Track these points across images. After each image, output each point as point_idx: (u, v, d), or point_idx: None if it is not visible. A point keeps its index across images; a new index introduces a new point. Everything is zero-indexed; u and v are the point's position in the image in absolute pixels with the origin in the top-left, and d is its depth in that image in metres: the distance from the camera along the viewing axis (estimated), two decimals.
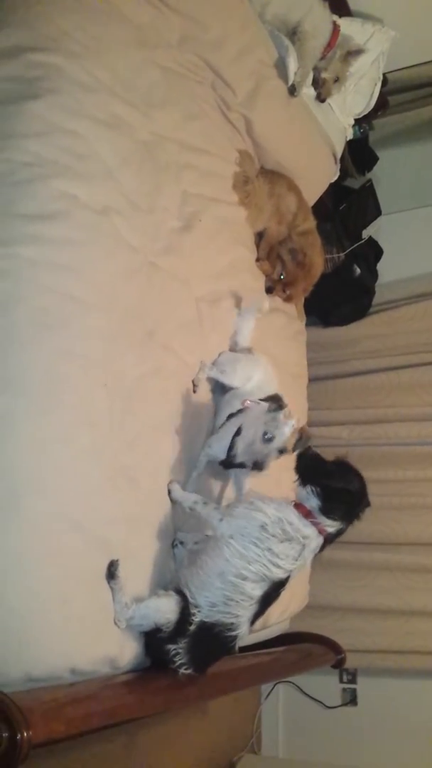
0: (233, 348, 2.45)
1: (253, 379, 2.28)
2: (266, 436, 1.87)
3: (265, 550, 1.70)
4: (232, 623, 1.69)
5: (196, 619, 1.68)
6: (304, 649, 2.65)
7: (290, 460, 2.82)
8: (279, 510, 1.75)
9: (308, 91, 3.10)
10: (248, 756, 3.52)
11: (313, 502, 1.75)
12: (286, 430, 1.87)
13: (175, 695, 1.69)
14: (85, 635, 1.58)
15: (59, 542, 1.56)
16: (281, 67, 2.89)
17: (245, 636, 1.75)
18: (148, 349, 1.99)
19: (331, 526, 1.75)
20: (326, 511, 1.74)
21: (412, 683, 3.48)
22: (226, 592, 1.68)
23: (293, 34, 2.90)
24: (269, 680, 3.51)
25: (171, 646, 1.66)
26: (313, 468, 1.82)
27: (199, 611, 1.68)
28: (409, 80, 3.72)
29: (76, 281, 1.76)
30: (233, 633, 1.70)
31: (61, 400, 1.64)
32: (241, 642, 1.77)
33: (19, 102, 1.81)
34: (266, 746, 3.75)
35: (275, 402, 1.92)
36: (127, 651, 1.71)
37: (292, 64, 2.87)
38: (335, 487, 1.76)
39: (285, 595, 2.55)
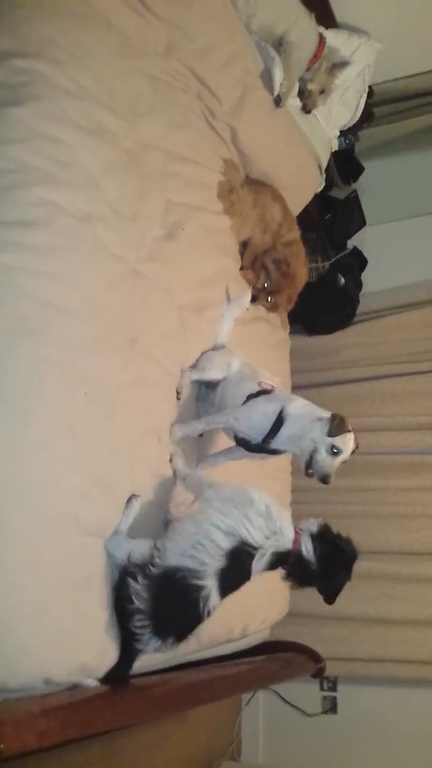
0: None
1: (233, 364, 2.35)
2: (335, 450, 1.95)
3: (242, 513, 1.76)
4: (197, 570, 1.69)
5: (161, 564, 1.70)
6: (284, 658, 2.65)
7: (277, 471, 2.85)
8: (275, 505, 1.83)
9: (294, 102, 3.12)
10: (228, 763, 3.51)
11: (310, 528, 1.85)
12: (351, 445, 1.98)
13: (152, 706, 1.68)
14: (62, 645, 1.56)
15: (37, 551, 1.55)
16: (267, 77, 2.91)
17: (212, 601, 1.72)
18: (130, 357, 1.98)
19: (307, 551, 1.80)
20: (314, 540, 1.81)
21: (392, 691, 3.50)
22: (196, 536, 1.73)
23: (279, 45, 2.91)
24: (249, 690, 3.51)
25: (132, 582, 1.68)
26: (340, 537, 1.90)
27: (164, 556, 1.71)
28: (394, 92, 3.77)
29: (57, 288, 1.75)
30: (198, 582, 1.68)
31: (41, 408, 1.63)
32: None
33: (1, 108, 1.80)
34: (246, 753, 3.75)
35: (342, 424, 1.98)
36: (106, 660, 1.70)
37: (278, 75, 2.89)
38: (337, 542, 1.85)
39: (264, 603, 2.57)
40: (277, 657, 2.64)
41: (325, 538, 1.83)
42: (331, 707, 3.61)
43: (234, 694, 3.39)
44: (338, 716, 3.59)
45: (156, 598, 1.68)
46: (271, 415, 2.06)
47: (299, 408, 2.08)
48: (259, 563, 1.77)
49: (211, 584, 1.70)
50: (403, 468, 3.55)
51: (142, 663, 1.84)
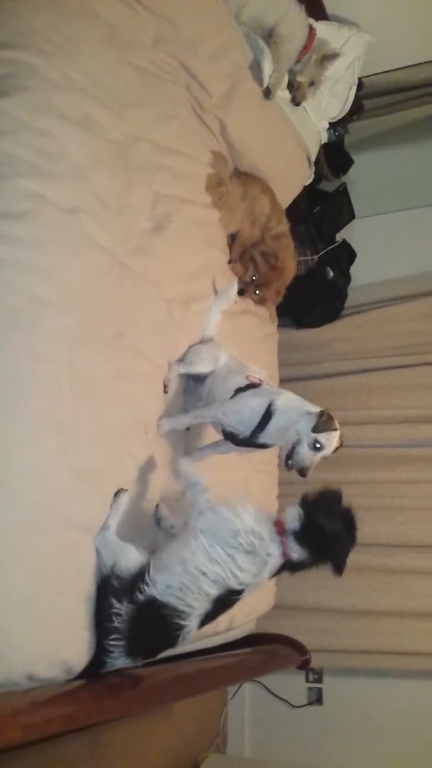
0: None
1: (221, 357, 2.35)
2: (317, 446, 1.95)
3: (229, 556, 1.73)
4: (183, 611, 1.69)
5: (148, 592, 1.69)
6: (269, 650, 2.66)
7: (264, 464, 2.85)
8: (256, 521, 1.79)
9: (283, 94, 3.11)
10: (214, 755, 3.53)
11: (293, 525, 1.79)
12: (335, 443, 1.98)
13: (137, 700, 1.68)
14: (46, 641, 1.56)
15: (22, 545, 1.54)
16: (256, 69, 2.90)
17: (190, 633, 1.74)
18: (117, 351, 1.97)
19: (296, 552, 1.78)
20: (299, 537, 1.78)
21: (378, 683, 3.52)
22: (184, 580, 1.71)
23: (269, 36, 2.90)
24: (234, 682, 3.52)
25: (115, 602, 1.67)
26: (323, 503, 1.85)
27: (152, 587, 1.69)
28: (384, 85, 3.76)
29: (43, 282, 1.74)
30: (181, 622, 1.70)
31: (27, 402, 1.62)
32: (190, 645, 1.77)
33: None
34: (232, 745, 3.76)
35: (330, 421, 1.97)
36: (87, 657, 1.71)
37: (267, 67, 2.88)
38: (318, 522, 1.78)
39: (251, 596, 2.58)
40: (263, 649, 2.65)
41: (310, 527, 1.79)
42: (317, 699, 3.63)
43: (220, 687, 3.40)
44: (324, 707, 3.61)
45: (136, 624, 1.68)
46: (259, 409, 2.06)
47: (288, 402, 2.08)
48: (251, 587, 1.79)
49: (193, 624, 1.72)
50: (390, 461, 3.57)
51: None
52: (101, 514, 1.82)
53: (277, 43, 2.88)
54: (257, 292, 2.91)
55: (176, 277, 2.37)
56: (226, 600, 1.76)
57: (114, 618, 1.67)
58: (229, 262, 2.82)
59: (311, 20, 3.06)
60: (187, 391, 2.40)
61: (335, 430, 1.98)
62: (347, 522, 1.85)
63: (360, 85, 3.58)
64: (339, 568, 1.81)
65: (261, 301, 3.00)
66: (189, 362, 2.31)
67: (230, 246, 2.86)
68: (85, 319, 1.85)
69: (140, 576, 1.71)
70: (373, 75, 3.71)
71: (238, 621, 2.51)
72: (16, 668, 1.47)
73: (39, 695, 1.45)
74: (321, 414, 1.98)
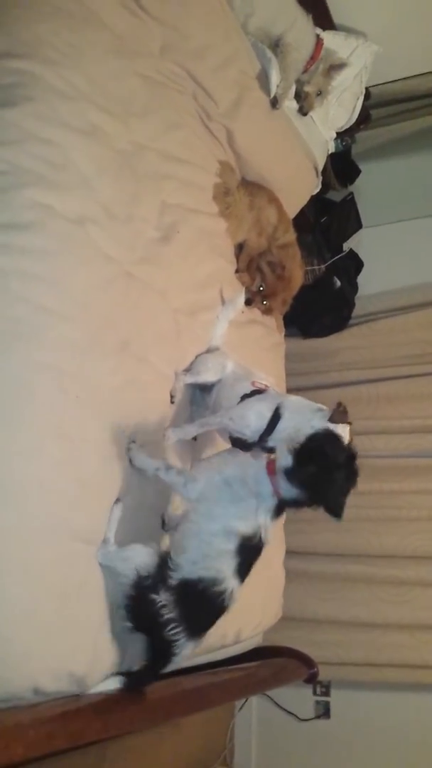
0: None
1: (227, 366, 2.33)
2: None
3: (224, 508, 1.75)
4: (215, 578, 1.70)
5: (177, 575, 1.70)
6: (277, 663, 2.62)
7: None
8: (241, 467, 1.80)
9: (290, 104, 3.10)
10: None
11: (284, 463, 1.73)
12: (347, 436, 1.92)
13: (143, 716, 1.66)
14: (51, 653, 1.54)
15: (26, 556, 1.53)
16: (264, 78, 2.89)
17: (237, 591, 1.75)
18: (122, 361, 1.96)
19: (287, 491, 1.72)
20: (290, 474, 1.71)
21: (386, 696, 3.48)
22: (203, 551, 1.72)
23: (276, 46, 2.90)
24: (242, 697, 3.49)
25: (155, 596, 1.67)
26: (320, 440, 1.77)
27: (179, 570, 1.70)
28: (391, 94, 3.75)
29: (49, 291, 1.73)
30: (220, 587, 1.70)
31: (31, 412, 1.61)
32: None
33: None
34: (239, 758, 3.73)
35: (345, 414, 1.94)
36: (97, 669, 1.68)
37: (275, 77, 2.87)
38: (310, 458, 1.71)
39: (258, 608, 2.56)
40: (270, 663, 2.62)
41: (301, 464, 1.70)
42: (324, 712, 3.59)
43: (227, 702, 3.37)
44: (331, 721, 3.58)
45: (183, 606, 1.68)
46: (266, 413, 2.03)
47: (296, 402, 2.06)
48: (267, 532, 1.77)
49: (232, 583, 1.73)
50: (398, 471, 3.54)
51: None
52: (105, 525, 1.80)
53: (285, 52, 2.88)
54: (264, 302, 2.90)
55: (183, 287, 2.36)
56: (248, 548, 1.74)
57: (162, 610, 1.66)
58: (236, 271, 2.81)
59: (318, 30, 3.06)
60: (193, 401, 2.38)
61: (349, 423, 1.94)
62: (344, 461, 1.73)
63: (367, 95, 3.57)
64: (334, 509, 1.70)
65: (268, 311, 2.99)
66: (196, 372, 2.30)
67: (237, 256, 2.85)
68: (90, 329, 1.84)
69: (164, 564, 1.72)
70: (380, 84, 3.70)
71: (245, 634, 2.48)
72: (20, 682, 1.46)
73: (44, 711, 1.43)
74: (338, 405, 1.93)
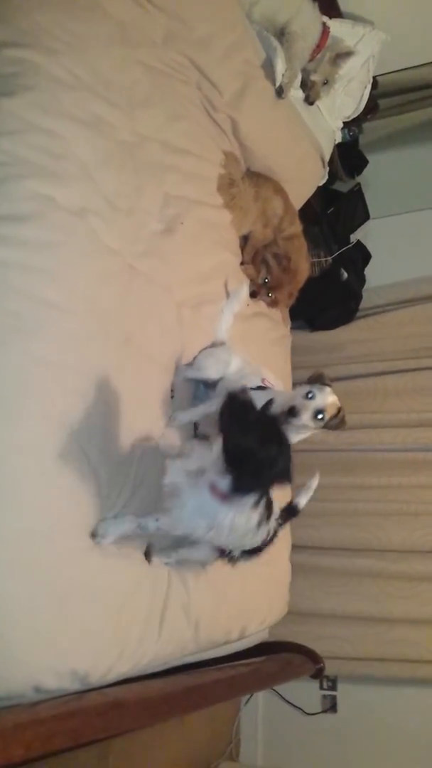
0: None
1: (232, 363, 2.29)
2: (309, 395, 1.90)
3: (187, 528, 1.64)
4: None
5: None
6: (282, 659, 2.61)
7: None
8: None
9: (296, 93, 3.06)
10: (226, 763, 3.49)
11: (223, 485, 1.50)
12: (328, 396, 1.90)
13: (147, 713, 1.63)
14: (52, 651, 1.53)
15: (27, 554, 1.51)
16: (269, 68, 2.85)
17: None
18: (125, 354, 1.94)
19: (222, 484, 1.48)
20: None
21: (392, 691, 3.47)
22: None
23: (281, 34, 2.85)
24: (248, 692, 3.48)
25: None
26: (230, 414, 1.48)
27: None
28: (399, 83, 3.70)
29: (50, 284, 1.71)
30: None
31: (31, 408, 1.59)
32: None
33: None
34: (245, 753, 3.72)
35: (322, 375, 1.95)
36: (99, 665, 1.67)
37: (280, 66, 2.83)
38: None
39: (263, 604, 2.54)
40: (276, 658, 2.60)
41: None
42: (331, 706, 3.58)
43: (232, 698, 3.36)
44: (338, 715, 3.56)
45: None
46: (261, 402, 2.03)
47: (287, 392, 2.07)
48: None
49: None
50: (405, 465, 3.51)
51: (139, 667, 1.81)
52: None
53: (290, 41, 2.83)
54: (270, 294, 2.87)
55: (187, 280, 2.33)
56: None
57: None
58: (241, 264, 2.78)
59: (325, 18, 3.01)
60: (196, 397, 2.35)
61: (328, 386, 1.93)
62: (258, 426, 1.45)
63: (375, 84, 3.52)
64: (259, 476, 1.45)
65: (274, 304, 2.95)
66: (197, 367, 2.27)
67: (242, 248, 2.82)
68: (91, 322, 1.82)
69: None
70: (388, 73, 3.65)
71: (250, 630, 2.46)
72: (20, 679, 1.45)
73: (44, 710, 1.41)
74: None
